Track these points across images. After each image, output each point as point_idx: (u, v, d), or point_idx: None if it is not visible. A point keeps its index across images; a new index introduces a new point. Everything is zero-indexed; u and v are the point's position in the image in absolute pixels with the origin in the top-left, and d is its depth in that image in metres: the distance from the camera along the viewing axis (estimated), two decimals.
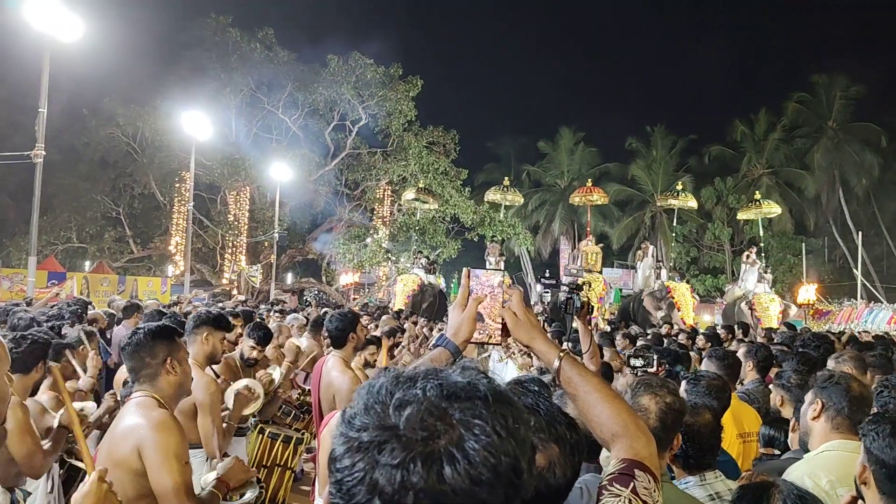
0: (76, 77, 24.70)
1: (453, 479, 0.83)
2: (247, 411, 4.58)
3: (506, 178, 33.45)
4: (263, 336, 5.67)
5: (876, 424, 2.13)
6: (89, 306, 10.23)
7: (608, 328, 14.64)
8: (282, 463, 5.08)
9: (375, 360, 5.92)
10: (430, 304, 22.57)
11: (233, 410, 4.37)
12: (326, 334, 5.23)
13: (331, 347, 5.27)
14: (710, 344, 9.18)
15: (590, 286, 21.95)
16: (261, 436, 5.26)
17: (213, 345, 4.26)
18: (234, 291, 29.23)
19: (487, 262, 24.93)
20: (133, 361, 2.86)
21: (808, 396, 2.97)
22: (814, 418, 2.85)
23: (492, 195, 31.81)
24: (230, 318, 4.94)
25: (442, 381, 0.91)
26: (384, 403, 0.89)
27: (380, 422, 0.87)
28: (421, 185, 29.70)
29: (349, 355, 5.08)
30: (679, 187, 31.85)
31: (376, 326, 9.73)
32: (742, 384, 4.95)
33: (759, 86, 61.91)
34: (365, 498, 0.84)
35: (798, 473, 2.60)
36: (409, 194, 30.27)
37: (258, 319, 7.95)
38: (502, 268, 24.45)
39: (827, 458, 2.70)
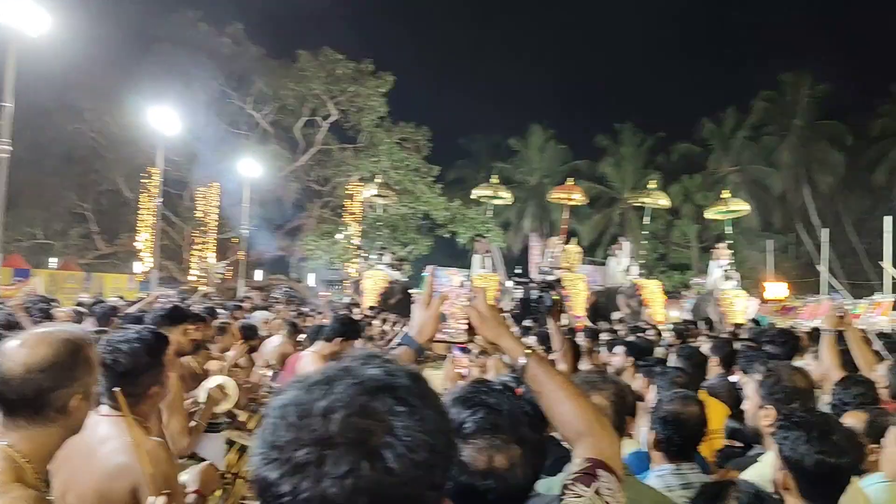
0: (42, 71, 24.28)
1: (399, 467, 0.83)
2: (218, 410, 4.50)
3: (495, 176, 33.32)
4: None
5: (788, 431, 2.16)
6: (53, 303, 10.05)
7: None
8: (235, 472, 5.01)
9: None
10: (399, 301, 22.48)
11: (203, 410, 4.30)
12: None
13: (312, 343, 5.26)
14: (679, 340, 9.28)
15: (560, 283, 21.97)
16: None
17: (174, 341, 4.16)
18: (201, 288, 28.95)
19: (474, 259, 24.88)
20: (110, 384, 2.46)
21: (754, 398, 3.01)
22: (769, 426, 2.88)
23: (480, 192, 31.61)
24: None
25: (357, 380, 0.89)
26: (307, 415, 0.86)
27: (311, 436, 0.84)
28: (378, 181, 29.44)
29: (330, 352, 5.08)
30: (652, 185, 32.00)
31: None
32: (706, 379, 5.00)
33: (726, 84, 62.50)
34: None
35: (751, 476, 2.63)
36: (367, 192, 30.04)
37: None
38: (489, 265, 24.36)
39: None
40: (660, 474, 2.72)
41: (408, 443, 0.85)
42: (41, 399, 1.84)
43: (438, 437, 0.88)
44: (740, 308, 21.83)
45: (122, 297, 14.97)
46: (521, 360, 1.71)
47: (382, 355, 0.97)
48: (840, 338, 4.58)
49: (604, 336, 8.83)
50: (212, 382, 4.53)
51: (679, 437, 2.77)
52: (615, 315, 20.26)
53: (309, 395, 0.88)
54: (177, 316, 4.29)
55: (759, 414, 2.96)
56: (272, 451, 0.85)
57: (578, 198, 30.22)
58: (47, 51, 20.08)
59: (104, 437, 2.42)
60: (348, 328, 5.12)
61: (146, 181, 31.02)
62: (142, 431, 2.47)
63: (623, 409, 2.81)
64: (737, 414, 4.12)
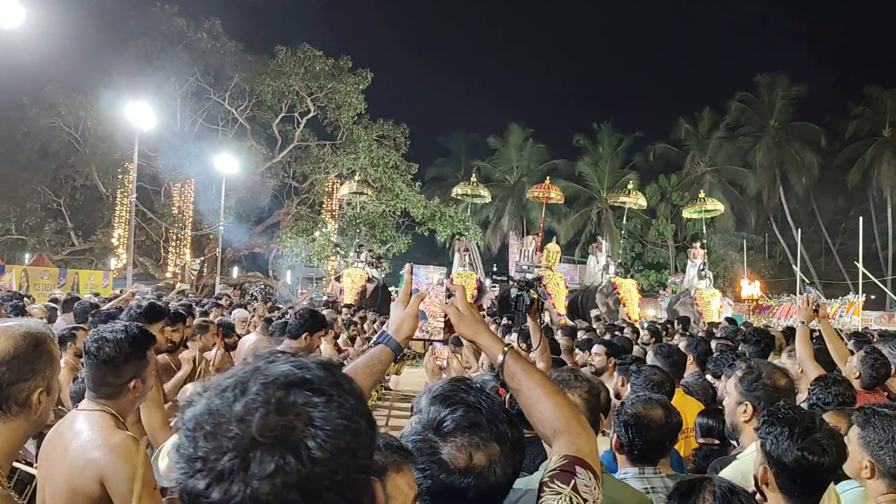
0: (16, 64, 23.97)
1: (324, 456, 0.84)
2: None
3: (473, 174, 33.34)
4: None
5: (772, 426, 2.18)
6: (27, 299, 9.90)
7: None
8: None
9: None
10: (372, 299, 22.64)
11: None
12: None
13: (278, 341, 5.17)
14: (654, 339, 9.33)
15: (540, 281, 22.06)
16: None
17: None
18: (178, 285, 28.67)
19: (455, 258, 24.90)
20: (93, 372, 2.51)
21: (733, 393, 3.05)
22: (746, 421, 2.92)
23: (459, 190, 31.68)
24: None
25: (269, 378, 0.89)
26: (225, 421, 0.85)
27: (232, 441, 0.84)
28: (357, 179, 29.34)
29: (297, 349, 5.00)
30: (630, 186, 32.23)
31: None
32: (682, 377, 5.03)
33: (703, 85, 63.27)
34: None
35: (732, 473, 2.65)
36: (345, 189, 29.93)
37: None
38: (467, 262, 24.43)
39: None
40: (623, 478, 2.72)
41: (329, 431, 0.85)
42: (2, 393, 1.82)
43: (359, 421, 0.89)
44: (716, 307, 22.07)
45: (97, 294, 14.81)
46: (500, 357, 1.72)
47: (288, 351, 0.96)
48: (813, 335, 4.62)
49: (581, 335, 8.85)
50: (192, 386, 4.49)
51: (641, 442, 2.74)
52: (593, 313, 20.42)
53: (222, 401, 0.87)
54: (154, 313, 4.26)
55: (738, 410, 2.99)
56: (195, 463, 0.84)
57: (556, 196, 30.45)
58: (21, 44, 19.79)
59: (78, 430, 2.42)
60: (312, 322, 4.98)
61: (122, 177, 30.72)
62: (114, 424, 2.45)
63: (597, 407, 2.81)
64: (708, 410, 4.15)
